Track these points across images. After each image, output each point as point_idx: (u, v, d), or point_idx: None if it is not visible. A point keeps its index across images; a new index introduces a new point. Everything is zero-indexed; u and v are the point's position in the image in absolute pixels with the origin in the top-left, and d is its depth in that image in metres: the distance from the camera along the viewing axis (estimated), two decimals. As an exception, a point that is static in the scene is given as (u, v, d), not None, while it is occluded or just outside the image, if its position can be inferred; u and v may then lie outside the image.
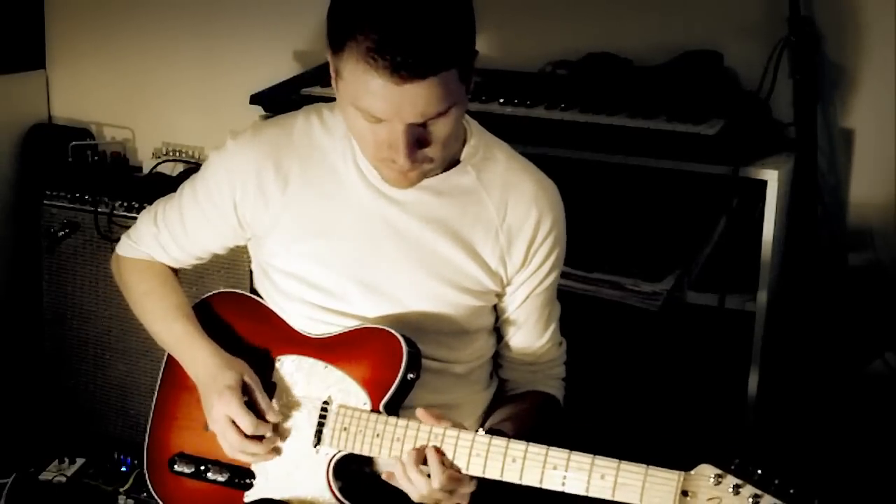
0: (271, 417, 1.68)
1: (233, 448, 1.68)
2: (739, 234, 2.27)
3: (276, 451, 1.70)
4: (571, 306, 1.92)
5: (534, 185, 1.72)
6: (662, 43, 2.50)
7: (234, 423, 1.66)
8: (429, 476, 1.56)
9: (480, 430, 1.59)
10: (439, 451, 1.57)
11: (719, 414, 2.31)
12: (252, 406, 1.67)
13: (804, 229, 2.35)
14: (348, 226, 1.70)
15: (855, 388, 2.37)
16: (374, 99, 1.49)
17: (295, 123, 1.74)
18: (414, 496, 1.59)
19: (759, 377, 2.27)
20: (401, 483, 1.59)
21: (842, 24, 2.38)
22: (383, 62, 1.44)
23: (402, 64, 1.44)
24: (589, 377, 2.06)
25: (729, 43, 2.46)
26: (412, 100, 1.48)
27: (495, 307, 1.79)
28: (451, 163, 1.69)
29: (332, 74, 1.57)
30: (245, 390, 1.68)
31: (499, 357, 1.86)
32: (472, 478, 1.57)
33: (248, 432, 1.65)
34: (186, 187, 1.83)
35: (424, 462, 1.57)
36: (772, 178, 2.20)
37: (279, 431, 1.70)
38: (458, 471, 1.56)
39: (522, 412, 1.77)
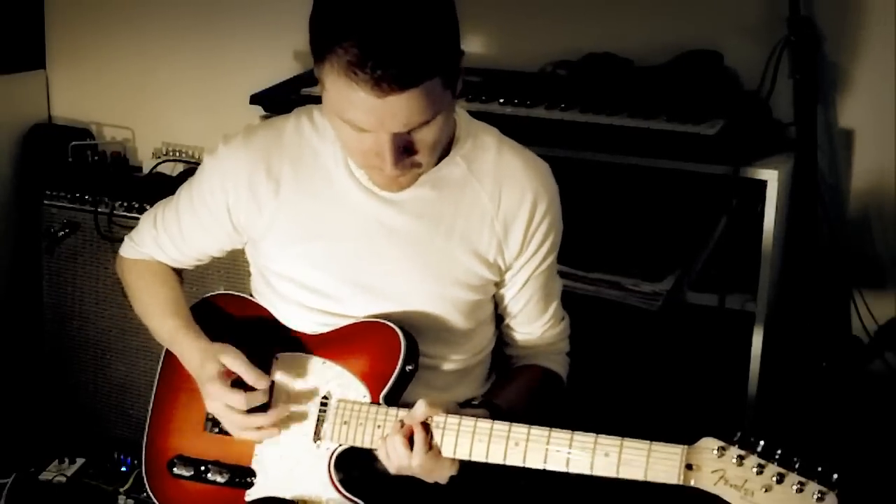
0: (262, 384, 1.66)
1: (239, 428, 1.68)
2: (739, 234, 2.27)
3: (284, 422, 1.69)
4: (571, 306, 1.92)
5: (526, 168, 1.72)
6: (662, 43, 2.50)
7: (228, 405, 1.66)
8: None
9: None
10: (427, 431, 1.56)
11: (719, 414, 2.31)
12: (244, 384, 1.67)
13: (804, 229, 2.35)
14: (342, 227, 1.69)
15: (855, 388, 2.37)
16: (357, 111, 1.48)
17: (286, 126, 1.74)
18: (391, 468, 1.59)
19: (759, 377, 2.27)
20: (380, 451, 1.59)
21: (842, 24, 2.38)
22: (364, 76, 1.43)
23: (383, 77, 1.43)
24: (589, 377, 2.06)
25: (729, 43, 2.46)
26: (395, 111, 1.47)
27: (494, 295, 1.79)
28: (441, 155, 1.68)
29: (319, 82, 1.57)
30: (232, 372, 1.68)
31: (501, 335, 1.86)
32: (453, 463, 1.57)
33: (242, 407, 1.65)
34: (183, 191, 1.83)
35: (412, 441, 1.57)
36: (772, 178, 2.20)
37: (268, 385, 1.69)
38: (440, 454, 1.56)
39: (520, 386, 1.78)
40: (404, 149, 1.54)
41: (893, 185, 2.40)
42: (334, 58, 1.45)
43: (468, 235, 1.70)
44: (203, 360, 1.70)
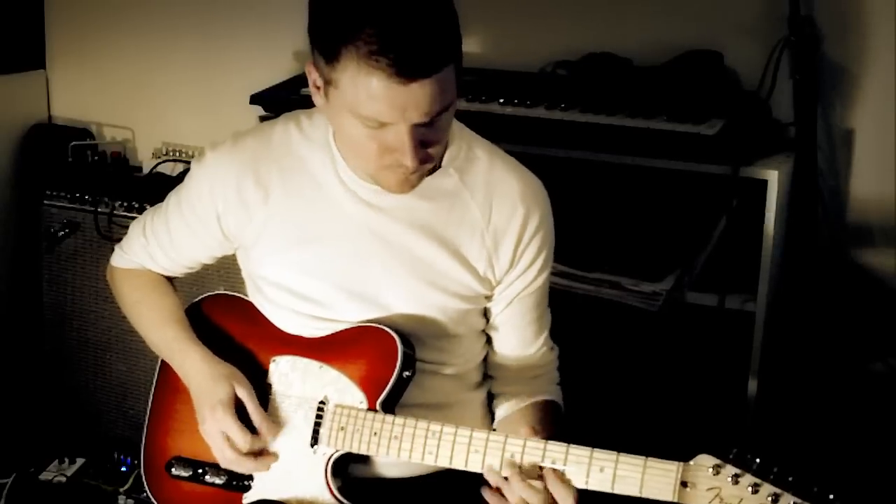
0: (266, 432, 1.67)
1: (229, 462, 1.68)
2: (739, 234, 2.26)
3: (272, 461, 1.69)
4: (571, 306, 1.92)
5: (518, 183, 1.70)
6: (662, 43, 2.50)
7: (228, 438, 1.66)
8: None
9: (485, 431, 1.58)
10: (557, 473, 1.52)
11: (719, 414, 2.31)
12: (246, 417, 1.67)
13: (804, 229, 2.35)
14: (332, 234, 1.68)
15: (855, 388, 2.37)
16: (377, 103, 1.46)
17: (273, 132, 1.72)
18: None
19: (759, 377, 2.27)
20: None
21: (842, 24, 2.38)
22: (387, 62, 1.42)
23: (407, 62, 1.42)
24: (589, 377, 2.06)
25: (729, 43, 2.46)
26: (417, 100, 1.46)
27: (485, 311, 1.77)
28: (434, 168, 1.66)
29: (319, 86, 1.54)
30: (238, 401, 1.68)
31: (494, 370, 1.82)
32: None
33: (244, 450, 1.65)
34: (172, 198, 1.82)
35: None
36: (772, 178, 2.20)
37: (275, 435, 1.69)
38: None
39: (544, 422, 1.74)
40: (421, 141, 1.52)
41: (893, 185, 2.40)
42: (352, 50, 1.44)
43: (458, 247, 1.68)
44: (214, 378, 1.69)
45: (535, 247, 1.71)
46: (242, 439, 1.64)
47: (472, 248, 1.69)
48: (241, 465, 1.68)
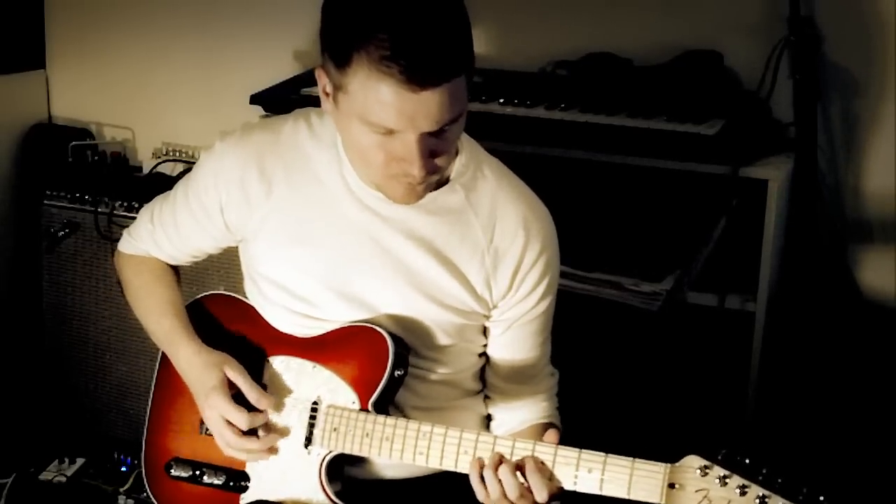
0: (264, 405, 1.66)
1: (231, 447, 1.67)
2: (739, 234, 2.27)
3: (274, 448, 1.69)
4: (571, 306, 1.91)
5: (523, 208, 1.68)
6: (662, 43, 2.50)
7: (228, 421, 1.65)
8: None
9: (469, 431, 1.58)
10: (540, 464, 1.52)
11: (719, 414, 2.31)
12: (243, 399, 1.67)
13: (804, 229, 2.35)
14: (330, 236, 1.67)
15: (854, 388, 2.37)
16: (387, 110, 1.45)
17: (283, 128, 1.71)
18: (482, 497, 1.55)
19: (759, 377, 2.27)
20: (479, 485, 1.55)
21: (842, 24, 2.38)
22: (398, 68, 1.40)
23: (419, 70, 1.41)
24: (589, 378, 2.06)
25: (729, 43, 2.46)
26: (427, 108, 1.44)
27: (485, 330, 1.76)
28: (440, 181, 1.65)
29: (329, 92, 1.53)
30: (232, 384, 1.67)
31: (493, 391, 1.81)
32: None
33: (244, 427, 1.64)
34: (180, 187, 1.82)
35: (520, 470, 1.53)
36: (772, 178, 2.20)
37: (273, 431, 1.69)
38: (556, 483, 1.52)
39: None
40: (430, 151, 1.51)
41: (893, 185, 2.40)
42: (364, 55, 1.42)
43: (457, 263, 1.67)
44: (204, 368, 1.69)
45: (535, 275, 1.69)
46: (239, 417, 1.64)
47: (471, 266, 1.67)
48: (243, 446, 1.66)
